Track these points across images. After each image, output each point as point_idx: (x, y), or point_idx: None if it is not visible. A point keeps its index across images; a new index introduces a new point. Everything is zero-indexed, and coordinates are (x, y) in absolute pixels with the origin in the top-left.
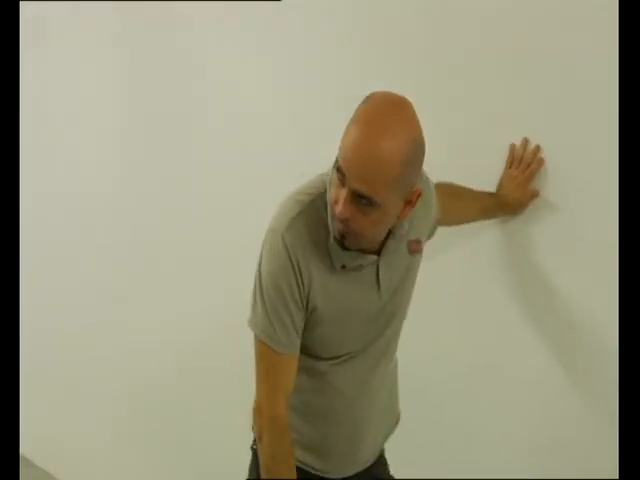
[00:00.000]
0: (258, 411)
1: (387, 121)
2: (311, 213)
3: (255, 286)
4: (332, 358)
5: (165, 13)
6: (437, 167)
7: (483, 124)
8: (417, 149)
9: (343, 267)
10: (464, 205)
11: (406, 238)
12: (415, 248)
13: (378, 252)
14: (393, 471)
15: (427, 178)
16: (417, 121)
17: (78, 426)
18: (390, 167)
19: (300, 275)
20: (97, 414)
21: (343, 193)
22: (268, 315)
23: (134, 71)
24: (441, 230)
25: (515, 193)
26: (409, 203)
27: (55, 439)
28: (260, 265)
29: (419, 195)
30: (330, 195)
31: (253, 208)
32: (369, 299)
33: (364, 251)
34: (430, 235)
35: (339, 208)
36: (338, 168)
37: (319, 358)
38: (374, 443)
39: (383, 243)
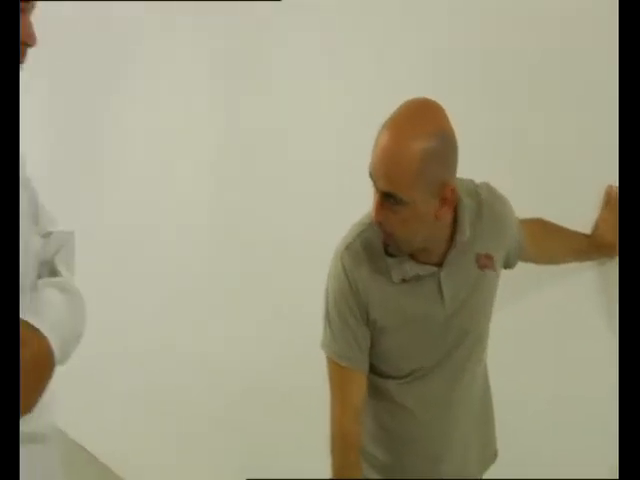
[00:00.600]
0: (330, 425)
1: (407, 121)
2: (371, 233)
3: (324, 307)
4: (400, 377)
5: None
6: (530, 207)
7: (579, 163)
8: (441, 144)
9: (403, 280)
10: (556, 241)
11: (473, 251)
12: (485, 263)
13: (441, 264)
14: None
15: (492, 190)
16: (441, 118)
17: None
18: (410, 162)
19: (357, 292)
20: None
21: (376, 198)
22: (333, 333)
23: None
24: (536, 270)
25: (610, 235)
26: (444, 201)
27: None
28: (327, 287)
29: (453, 191)
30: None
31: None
32: (433, 311)
33: (423, 261)
34: (510, 261)
35: (373, 212)
36: (370, 175)
37: (387, 377)
38: (462, 467)
39: (445, 255)
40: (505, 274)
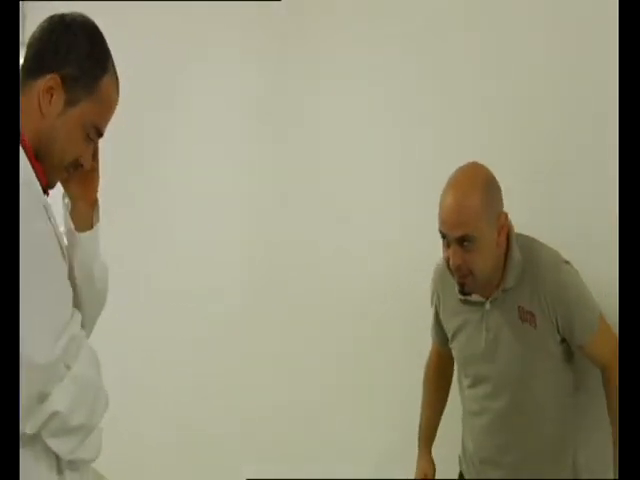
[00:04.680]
0: None
1: (464, 179)
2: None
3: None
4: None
5: None
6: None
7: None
8: (491, 188)
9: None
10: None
11: (515, 298)
12: (524, 317)
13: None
14: None
15: (556, 255)
16: (487, 172)
17: None
18: (475, 205)
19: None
20: None
21: (450, 247)
22: None
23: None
24: None
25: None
26: (501, 228)
27: None
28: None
29: (505, 217)
30: (444, 258)
31: None
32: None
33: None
34: (569, 338)
35: (451, 259)
36: (441, 231)
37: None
38: None
39: (492, 293)
40: None
